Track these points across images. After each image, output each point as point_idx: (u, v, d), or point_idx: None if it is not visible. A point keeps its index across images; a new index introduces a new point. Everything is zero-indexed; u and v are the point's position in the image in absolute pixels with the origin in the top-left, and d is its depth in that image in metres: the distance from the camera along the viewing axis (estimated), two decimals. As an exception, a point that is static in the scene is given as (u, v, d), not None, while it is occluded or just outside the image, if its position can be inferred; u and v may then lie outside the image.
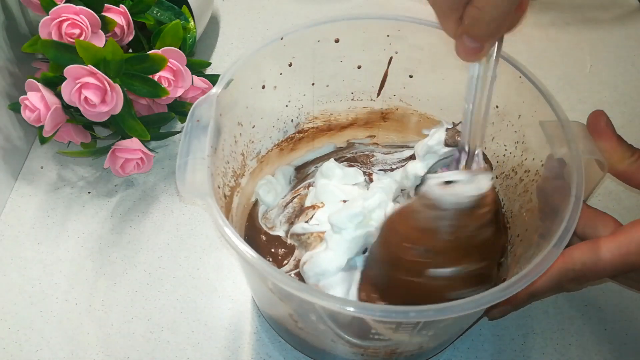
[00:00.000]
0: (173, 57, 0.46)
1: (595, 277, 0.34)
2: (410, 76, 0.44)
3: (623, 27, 0.66)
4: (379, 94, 0.46)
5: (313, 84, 0.44)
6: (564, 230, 0.31)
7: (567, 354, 0.42)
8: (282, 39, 0.39)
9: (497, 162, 0.42)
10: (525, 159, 0.39)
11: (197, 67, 0.52)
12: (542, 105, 0.36)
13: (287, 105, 0.44)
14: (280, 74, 0.42)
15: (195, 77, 0.50)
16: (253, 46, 0.39)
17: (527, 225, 0.37)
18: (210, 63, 0.54)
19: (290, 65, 0.42)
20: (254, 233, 0.44)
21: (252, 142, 0.43)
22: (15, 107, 0.47)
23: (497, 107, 0.41)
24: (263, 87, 0.41)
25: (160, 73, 0.46)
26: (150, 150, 0.49)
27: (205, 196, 0.31)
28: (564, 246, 0.30)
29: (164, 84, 0.46)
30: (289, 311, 0.35)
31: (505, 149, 0.41)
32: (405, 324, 0.31)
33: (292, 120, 0.45)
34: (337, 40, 0.42)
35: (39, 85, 0.45)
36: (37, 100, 0.44)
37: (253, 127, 0.42)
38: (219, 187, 0.36)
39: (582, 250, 0.34)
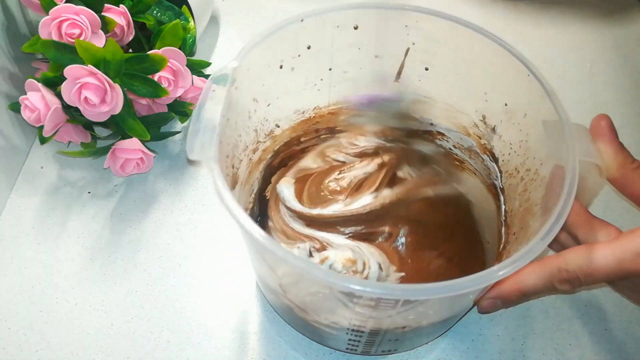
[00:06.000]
0: (173, 57, 0.46)
1: (589, 281, 0.34)
2: (426, 69, 0.44)
3: (623, 27, 0.66)
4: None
5: (330, 69, 0.44)
6: (552, 223, 0.31)
7: (566, 354, 0.42)
8: (302, 20, 0.40)
9: (502, 160, 0.42)
10: (527, 157, 0.39)
11: (197, 67, 0.52)
12: (546, 105, 0.37)
13: (304, 88, 0.44)
14: (299, 55, 0.42)
15: (195, 77, 0.50)
16: (273, 26, 0.39)
17: (522, 224, 0.38)
18: (210, 63, 0.54)
19: (309, 48, 0.42)
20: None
21: (267, 120, 0.43)
22: (15, 107, 0.47)
23: (505, 104, 0.41)
24: (281, 67, 0.41)
25: (160, 73, 0.46)
26: (150, 150, 0.49)
27: (209, 160, 0.32)
28: (551, 239, 0.30)
29: (164, 84, 0.46)
30: (278, 281, 0.36)
31: (511, 148, 0.41)
32: (384, 300, 0.31)
33: (308, 102, 0.46)
34: (356, 27, 0.42)
35: (39, 85, 0.45)
36: (37, 100, 0.44)
37: (268, 105, 0.42)
38: (227, 157, 0.37)
39: (577, 253, 0.34)
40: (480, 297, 0.38)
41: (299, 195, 0.46)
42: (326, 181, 0.47)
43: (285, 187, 0.47)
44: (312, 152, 0.49)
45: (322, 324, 0.37)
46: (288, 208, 0.45)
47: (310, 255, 0.43)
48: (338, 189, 0.47)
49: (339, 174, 0.48)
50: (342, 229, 0.44)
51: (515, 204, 0.40)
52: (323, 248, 0.43)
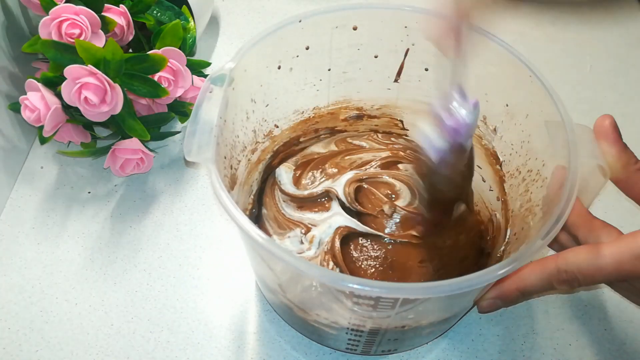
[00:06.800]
0: (173, 57, 0.46)
1: (588, 282, 0.34)
2: (426, 69, 0.44)
3: (623, 27, 0.66)
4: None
5: (329, 70, 0.44)
6: (552, 224, 0.31)
7: (567, 354, 0.42)
8: (300, 21, 0.40)
9: (504, 160, 0.43)
10: (529, 158, 0.39)
11: (197, 67, 0.52)
12: (549, 106, 0.36)
13: (303, 89, 0.44)
14: (297, 56, 0.42)
15: (195, 77, 0.50)
16: (270, 27, 0.39)
17: (523, 224, 0.38)
18: (210, 63, 0.54)
19: (307, 48, 0.42)
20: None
21: (265, 120, 0.43)
22: (15, 107, 0.47)
23: (507, 105, 0.41)
24: (279, 67, 0.42)
25: (160, 73, 0.46)
26: (150, 150, 0.49)
27: (207, 161, 0.32)
28: (551, 239, 0.30)
29: (164, 84, 0.46)
30: (277, 281, 0.36)
31: (512, 148, 0.41)
32: (383, 299, 0.31)
33: (306, 103, 0.46)
34: (355, 28, 0.42)
35: (39, 85, 0.45)
36: (37, 100, 0.44)
37: (267, 106, 0.43)
38: (225, 158, 0.37)
39: (577, 253, 0.34)
40: (480, 297, 0.38)
41: (296, 179, 0.47)
42: (328, 163, 0.47)
43: (284, 172, 0.47)
44: (325, 140, 0.49)
45: (321, 323, 0.37)
46: (283, 192, 0.46)
47: (301, 242, 0.43)
48: (336, 169, 0.47)
49: (345, 156, 0.48)
50: (327, 205, 0.45)
51: (516, 204, 0.40)
52: (308, 230, 0.43)
